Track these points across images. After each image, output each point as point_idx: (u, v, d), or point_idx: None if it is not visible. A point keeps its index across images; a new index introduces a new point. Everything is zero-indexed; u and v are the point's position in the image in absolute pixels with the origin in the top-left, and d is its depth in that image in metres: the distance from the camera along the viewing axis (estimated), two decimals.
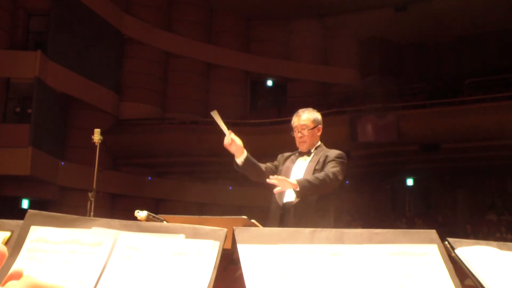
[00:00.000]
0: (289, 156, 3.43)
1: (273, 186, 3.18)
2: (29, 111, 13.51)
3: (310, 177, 3.07)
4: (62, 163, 14.52)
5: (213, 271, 1.03)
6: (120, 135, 15.45)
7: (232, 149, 3.16)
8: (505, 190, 16.42)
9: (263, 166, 3.40)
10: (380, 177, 17.36)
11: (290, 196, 3.18)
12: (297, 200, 3.11)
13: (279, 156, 3.48)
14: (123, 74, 16.90)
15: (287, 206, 3.17)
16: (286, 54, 19.69)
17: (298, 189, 2.99)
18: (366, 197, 17.58)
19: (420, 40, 19.99)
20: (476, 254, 1.18)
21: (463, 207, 16.49)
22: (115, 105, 16.39)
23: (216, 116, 3.02)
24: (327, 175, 3.07)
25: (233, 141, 3.11)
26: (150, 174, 16.80)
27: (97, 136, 5.29)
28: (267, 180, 3.00)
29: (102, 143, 5.36)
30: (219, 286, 1.07)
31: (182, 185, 16.57)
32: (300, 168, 3.27)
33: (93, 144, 5.30)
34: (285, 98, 19.49)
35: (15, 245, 1.08)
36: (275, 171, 3.38)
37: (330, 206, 3.24)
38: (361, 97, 16.81)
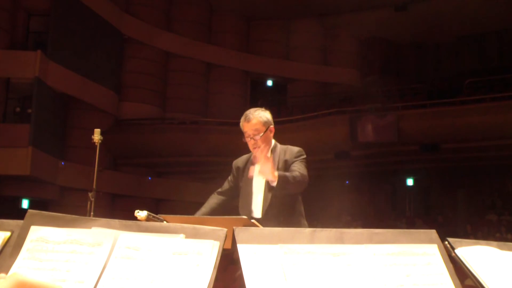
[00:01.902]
0: (245, 165, 3.14)
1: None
2: (29, 111, 13.51)
3: (288, 173, 2.88)
4: (62, 163, 14.52)
5: (213, 271, 1.03)
6: (120, 135, 15.45)
7: None
8: (505, 190, 16.42)
9: (219, 197, 3.13)
10: (380, 177, 17.37)
11: (256, 212, 2.98)
12: (264, 213, 2.93)
13: (234, 166, 3.18)
14: (123, 74, 16.91)
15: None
16: (286, 54, 19.69)
17: (275, 184, 2.77)
18: (366, 197, 17.58)
19: (420, 40, 19.99)
20: (476, 254, 1.18)
21: (463, 207, 16.49)
22: (115, 105, 16.40)
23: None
24: (300, 174, 2.89)
25: None
26: (150, 174, 16.80)
27: (97, 136, 5.29)
28: (250, 170, 2.80)
29: (102, 143, 5.36)
30: (219, 286, 1.08)
31: (182, 185, 16.57)
32: (259, 180, 3.00)
33: (93, 144, 5.29)
34: (285, 98, 19.49)
35: (15, 245, 1.08)
36: (234, 189, 3.13)
37: (298, 212, 3.05)
38: (361, 97, 16.82)
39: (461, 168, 16.10)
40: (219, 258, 1.05)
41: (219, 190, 3.18)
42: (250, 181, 3.03)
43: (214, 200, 3.13)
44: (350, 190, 16.85)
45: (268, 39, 19.37)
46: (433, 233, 1.20)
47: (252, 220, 2.19)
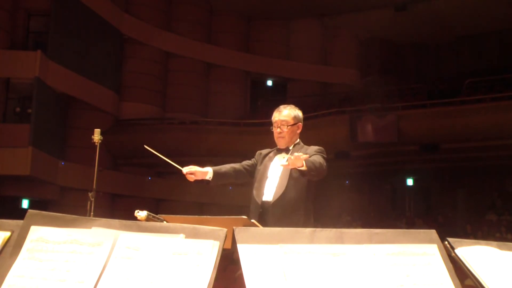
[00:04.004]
0: (267, 154, 3.35)
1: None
2: (29, 111, 13.50)
3: (311, 159, 3.00)
4: (62, 163, 14.51)
5: (213, 271, 1.03)
6: (120, 135, 15.44)
7: (198, 178, 3.09)
8: (505, 190, 16.40)
9: (239, 166, 3.32)
10: (380, 177, 17.36)
11: (268, 196, 3.14)
12: (275, 199, 3.08)
13: (257, 153, 3.41)
14: (123, 74, 16.90)
15: (265, 205, 3.12)
16: (286, 54, 19.68)
17: (304, 168, 2.89)
18: (366, 197, 17.57)
19: (420, 40, 19.98)
20: (476, 254, 1.18)
21: (463, 207, 16.48)
22: (115, 105, 16.39)
23: (153, 151, 3.04)
24: (319, 162, 3.02)
25: (193, 173, 3.05)
26: (150, 174, 16.79)
27: (97, 136, 5.29)
28: (281, 164, 2.95)
29: (102, 143, 5.36)
30: (219, 286, 1.08)
31: (182, 185, 16.54)
32: (277, 167, 3.20)
33: (93, 144, 5.29)
34: (285, 98, 19.47)
35: (15, 245, 1.08)
36: (253, 170, 3.33)
37: (309, 205, 3.18)
38: (361, 97, 16.80)
39: (461, 168, 16.09)
40: (219, 258, 1.05)
41: (242, 162, 3.38)
42: (267, 165, 3.24)
43: (233, 165, 3.32)
44: (350, 190, 16.84)
45: (268, 39, 19.36)
46: (433, 233, 1.20)
47: (252, 220, 2.19)
